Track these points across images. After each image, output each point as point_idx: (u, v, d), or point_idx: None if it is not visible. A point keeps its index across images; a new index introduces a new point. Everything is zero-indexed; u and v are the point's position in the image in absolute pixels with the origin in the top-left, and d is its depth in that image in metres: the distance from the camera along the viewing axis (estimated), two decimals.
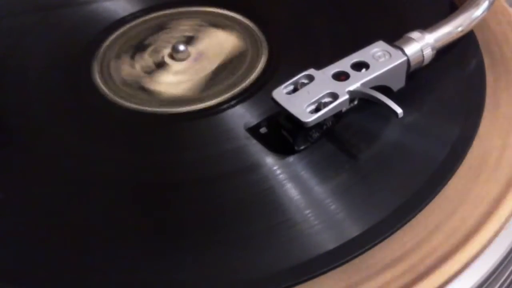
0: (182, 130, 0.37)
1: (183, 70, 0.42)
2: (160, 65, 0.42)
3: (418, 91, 0.37)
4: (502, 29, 0.42)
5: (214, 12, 0.46)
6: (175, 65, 0.42)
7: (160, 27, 0.45)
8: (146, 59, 0.42)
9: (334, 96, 0.33)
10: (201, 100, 0.39)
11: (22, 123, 0.39)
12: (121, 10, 0.47)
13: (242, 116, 0.37)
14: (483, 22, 0.40)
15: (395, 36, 0.37)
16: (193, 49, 0.43)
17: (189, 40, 0.43)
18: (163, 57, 0.42)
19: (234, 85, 0.39)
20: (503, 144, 0.35)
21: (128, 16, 0.46)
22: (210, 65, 0.41)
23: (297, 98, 0.33)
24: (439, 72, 0.38)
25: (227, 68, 0.41)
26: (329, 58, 0.36)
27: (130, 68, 0.42)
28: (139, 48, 0.43)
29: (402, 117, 0.32)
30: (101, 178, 0.35)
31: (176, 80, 0.41)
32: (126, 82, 0.41)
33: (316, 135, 0.34)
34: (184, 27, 0.45)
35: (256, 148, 0.35)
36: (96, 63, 0.43)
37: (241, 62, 0.41)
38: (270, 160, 0.34)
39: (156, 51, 0.43)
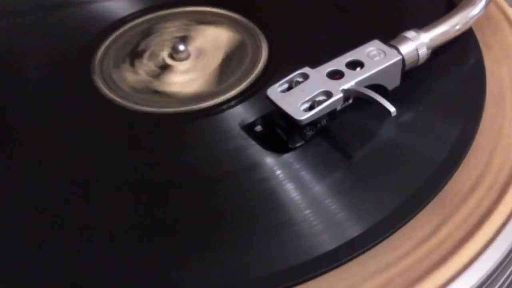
0: (182, 130, 0.37)
1: (189, 68, 0.42)
2: (164, 68, 0.42)
3: (418, 90, 0.37)
4: (502, 29, 0.42)
5: (198, 11, 0.46)
6: (179, 65, 0.42)
7: (148, 32, 0.45)
8: (147, 64, 0.42)
9: (328, 95, 0.33)
10: (219, 94, 0.39)
11: (22, 123, 0.39)
12: (121, 10, 0.47)
13: (242, 116, 0.37)
14: (483, 22, 0.40)
15: (395, 35, 0.37)
16: (191, 47, 0.43)
17: (183, 40, 0.43)
18: (163, 59, 0.42)
19: (234, 85, 0.40)
20: (502, 144, 0.35)
21: (128, 16, 0.46)
22: (214, 60, 0.42)
23: (292, 96, 0.33)
24: (439, 71, 0.38)
25: (233, 59, 0.41)
26: (329, 58, 0.36)
27: (134, 76, 0.42)
28: (136, 54, 0.43)
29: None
30: (101, 178, 0.35)
31: (188, 79, 0.41)
32: (138, 89, 0.41)
33: (310, 133, 0.34)
34: (172, 29, 0.45)
35: (255, 148, 0.35)
36: (96, 63, 0.43)
37: (243, 51, 0.42)
38: (270, 160, 0.34)
39: (154, 55, 0.43)
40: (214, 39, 0.43)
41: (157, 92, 0.40)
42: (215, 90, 0.39)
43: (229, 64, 0.41)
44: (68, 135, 0.38)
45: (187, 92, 0.40)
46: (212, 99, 0.39)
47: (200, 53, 0.42)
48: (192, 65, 0.42)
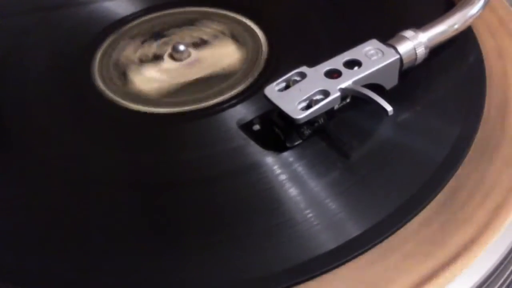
0: (182, 130, 0.37)
1: (169, 70, 0.41)
2: (156, 58, 0.42)
3: (417, 90, 0.37)
4: (502, 29, 0.42)
5: (243, 23, 0.45)
6: (167, 63, 0.42)
7: (189, 23, 0.45)
8: (152, 48, 0.43)
9: (326, 94, 0.33)
10: (155, 105, 0.39)
11: (22, 123, 0.39)
12: (121, 10, 0.47)
13: (241, 116, 0.37)
14: (483, 22, 0.40)
15: (393, 35, 0.37)
16: (195, 53, 0.42)
17: (202, 43, 0.43)
18: (164, 51, 0.42)
19: (234, 85, 0.39)
20: (503, 145, 0.35)
21: (128, 16, 0.46)
22: (194, 74, 0.41)
23: (289, 95, 0.34)
24: (438, 71, 0.38)
25: (206, 82, 0.40)
26: (328, 58, 0.35)
27: (131, 52, 0.42)
28: (156, 36, 0.44)
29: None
30: (101, 178, 0.35)
31: (155, 77, 0.41)
32: (117, 64, 0.41)
33: (308, 132, 0.34)
34: (207, 30, 0.44)
35: (254, 148, 0.35)
36: (96, 63, 0.43)
37: (222, 82, 0.40)
38: (269, 160, 0.34)
39: (166, 44, 0.43)
40: (219, 57, 0.42)
41: (122, 75, 0.41)
42: (159, 100, 0.39)
43: (198, 86, 0.40)
44: (68, 135, 0.38)
45: (137, 88, 0.40)
46: (147, 106, 0.39)
47: (195, 62, 0.42)
48: (175, 68, 0.41)
